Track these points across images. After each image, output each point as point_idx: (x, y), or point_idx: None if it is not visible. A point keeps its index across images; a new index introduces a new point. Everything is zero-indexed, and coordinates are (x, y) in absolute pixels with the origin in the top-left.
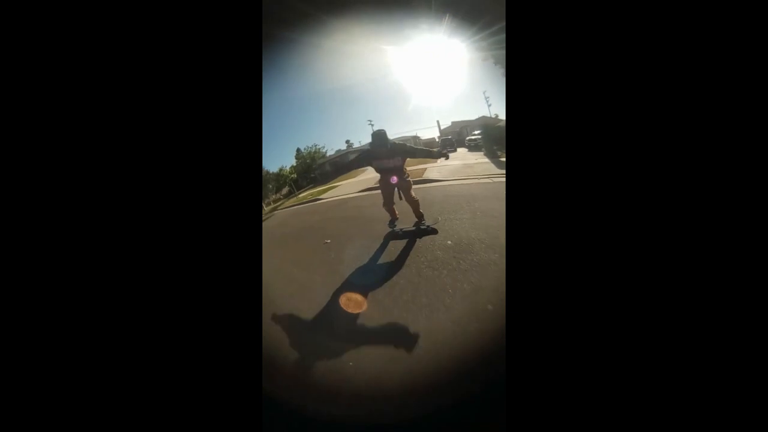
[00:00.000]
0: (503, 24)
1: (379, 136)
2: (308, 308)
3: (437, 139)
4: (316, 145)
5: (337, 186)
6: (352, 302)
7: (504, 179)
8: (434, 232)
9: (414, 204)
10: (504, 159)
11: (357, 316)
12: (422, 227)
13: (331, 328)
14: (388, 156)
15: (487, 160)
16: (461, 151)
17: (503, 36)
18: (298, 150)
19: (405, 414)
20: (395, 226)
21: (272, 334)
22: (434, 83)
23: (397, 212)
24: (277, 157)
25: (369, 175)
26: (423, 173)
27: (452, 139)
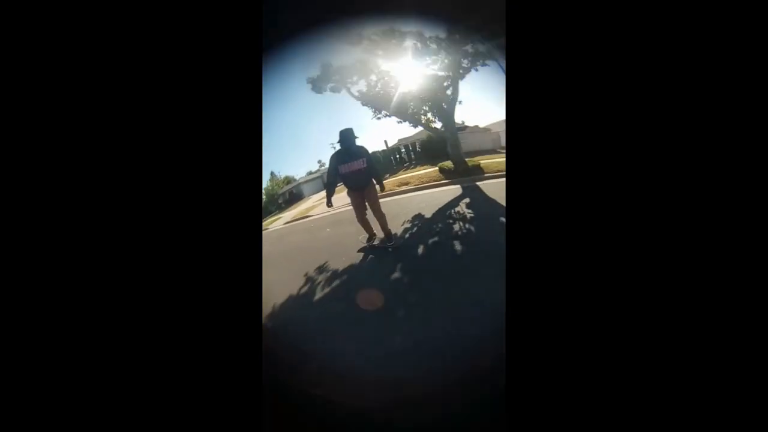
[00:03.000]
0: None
1: (346, 133)
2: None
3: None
4: (276, 175)
5: (279, 218)
6: (368, 299)
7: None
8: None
9: (381, 219)
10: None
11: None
12: (386, 245)
13: (332, 327)
14: (354, 157)
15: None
16: None
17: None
18: (272, 174)
19: (405, 415)
20: (373, 242)
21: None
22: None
23: (373, 228)
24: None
25: (299, 208)
26: (309, 210)
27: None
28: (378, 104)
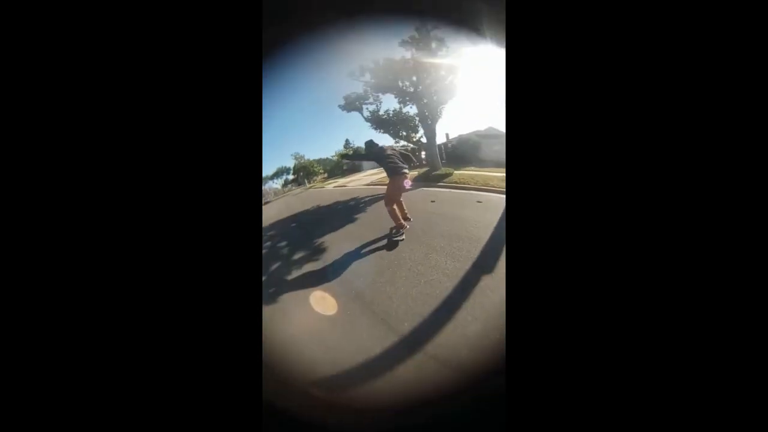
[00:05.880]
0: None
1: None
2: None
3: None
4: (350, 144)
5: (336, 182)
6: (325, 302)
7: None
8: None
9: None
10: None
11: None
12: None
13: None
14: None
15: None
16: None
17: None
18: (346, 141)
19: (404, 417)
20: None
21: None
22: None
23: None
24: (278, 156)
25: (349, 178)
26: (348, 183)
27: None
28: (380, 126)
